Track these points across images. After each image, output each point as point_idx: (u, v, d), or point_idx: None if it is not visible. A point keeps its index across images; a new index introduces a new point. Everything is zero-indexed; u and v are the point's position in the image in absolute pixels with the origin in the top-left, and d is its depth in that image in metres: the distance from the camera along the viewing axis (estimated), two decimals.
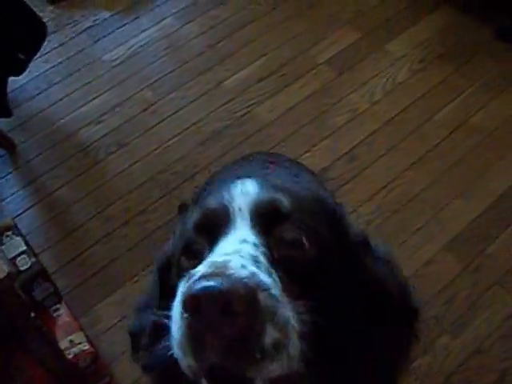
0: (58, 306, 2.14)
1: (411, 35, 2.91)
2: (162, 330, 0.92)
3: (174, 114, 2.74)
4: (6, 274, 1.55)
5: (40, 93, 2.88)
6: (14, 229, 2.11)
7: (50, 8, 3.22)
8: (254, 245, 0.93)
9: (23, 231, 2.23)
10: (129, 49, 3.03)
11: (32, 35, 2.55)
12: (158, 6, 3.22)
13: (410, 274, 2.19)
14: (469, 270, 2.19)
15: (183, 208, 1.83)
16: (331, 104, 2.69)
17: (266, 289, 0.85)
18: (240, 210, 0.99)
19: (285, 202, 1.00)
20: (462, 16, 2.94)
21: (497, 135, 2.55)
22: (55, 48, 3.00)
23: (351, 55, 2.86)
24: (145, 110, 2.75)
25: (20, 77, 2.67)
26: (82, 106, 2.83)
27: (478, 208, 2.34)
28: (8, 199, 2.56)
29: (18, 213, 2.50)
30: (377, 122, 2.62)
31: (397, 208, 2.36)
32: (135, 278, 2.27)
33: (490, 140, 2.53)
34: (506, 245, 2.24)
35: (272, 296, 0.85)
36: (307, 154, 2.48)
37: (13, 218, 2.26)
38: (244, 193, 1.01)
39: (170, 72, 2.88)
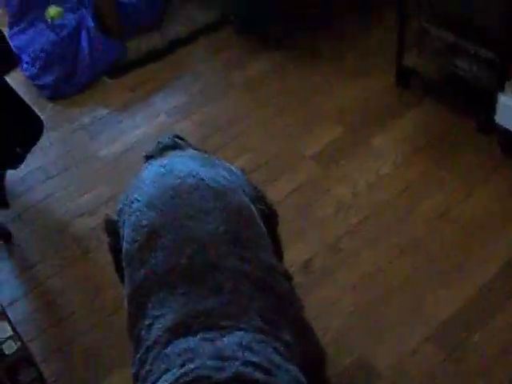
0: None
1: (394, 129, 3.04)
2: None
3: None
4: None
5: (37, 185, 3.00)
6: (2, 315, 2.15)
7: (50, 105, 3.38)
8: None
9: (14, 318, 2.27)
10: (124, 145, 3.16)
11: (29, 130, 2.68)
12: (153, 103, 3.37)
13: (394, 365, 2.21)
14: (451, 360, 2.20)
15: (110, 225, 1.84)
16: (317, 197, 2.78)
17: None
18: None
19: None
20: (444, 109, 3.07)
21: (477, 226, 2.61)
22: (54, 143, 3.12)
23: (336, 149, 2.98)
24: None
25: (18, 169, 2.79)
26: (77, 198, 2.93)
27: (460, 298, 2.37)
28: (1, 287, 2.61)
29: (11, 300, 2.55)
30: (360, 213, 2.70)
31: (380, 298, 2.40)
32: (122, 368, 2.30)
33: (471, 230, 2.60)
34: (489, 336, 2.26)
35: None
36: (292, 245, 2.54)
37: (5, 306, 2.32)
38: None
39: None
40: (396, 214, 2.68)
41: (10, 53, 2.82)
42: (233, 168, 1.80)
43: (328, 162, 2.93)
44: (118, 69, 3.53)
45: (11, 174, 2.78)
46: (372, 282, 2.46)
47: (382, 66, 3.32)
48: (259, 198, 1.78)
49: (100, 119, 3.31)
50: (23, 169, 2.84)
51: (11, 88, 2.59)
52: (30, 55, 3.50)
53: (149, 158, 1.89)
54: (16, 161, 2.67)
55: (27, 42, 3.61)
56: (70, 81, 3.43)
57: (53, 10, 3.75)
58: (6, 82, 2.56)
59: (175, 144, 1.91)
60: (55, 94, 3.42)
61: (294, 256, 2.45)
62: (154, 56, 3.60)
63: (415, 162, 2.89)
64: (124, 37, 3.64)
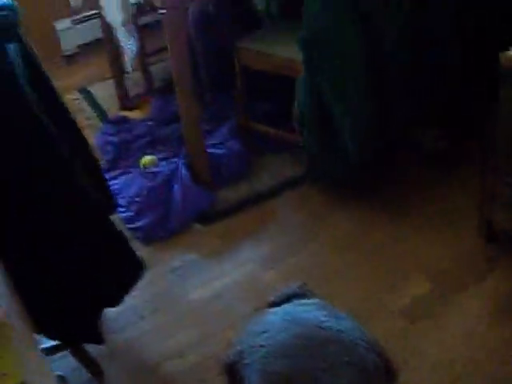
0: None
1: (485, 287, 3.04)
2: None
3: None
4: None
5: (129, 324, 3.08)
6: None
7: (143, 248, 3.50)
8: None
9: None
10: (212, 290, 3.24)
11: (130, 272, 2.78)
12: (240, 252, 3.48)
13: None
14: None
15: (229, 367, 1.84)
16: (404, 354, 2.76)
17: None
18: None
19: None
20: None
21: None
22: (145, 284, 3.20)
23: (423, 305, 3.00)
24: (225, 348, 2.87)
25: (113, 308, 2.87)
26: (167, 340, 2.98)
27: None
28: None
29: None
30: (451, 373, 2.68)
31: None
32: None
33: None
34: None
35: None
36: None
37: None
38: None
39: (250, 314, 3.03)
40: (489, 374, 2.65)
41: (112, 197, 3.00)
42: (352, 319, 1.85)
43: (415, 318, 2.94)
44: (207, 216, 3.68)
45: (107, 311, 2.86)
46: None
47: (469, 221, 3.35)
48: (380, 353, 1.81)
49: (190, 264, 3.42)
50: (117, 307, 2.92)
51: (116, 228, 2.70)
52: (125, 199, 3.68)
53: (274, 304, 1.95)
54: (114, 300, 2.75)
55: (122, 187, 3.81)
56: (163, 225, 3.58)
57: (147, 159, 3.98)
58: (111, 220, 2.68)
59: (301, 292, 1.98)
60: (148, 238, 3.56)
61: None
62: (242, 206, 3.75)
63: (507, 321, 2.87)
64: (214, 186, 3.81)
